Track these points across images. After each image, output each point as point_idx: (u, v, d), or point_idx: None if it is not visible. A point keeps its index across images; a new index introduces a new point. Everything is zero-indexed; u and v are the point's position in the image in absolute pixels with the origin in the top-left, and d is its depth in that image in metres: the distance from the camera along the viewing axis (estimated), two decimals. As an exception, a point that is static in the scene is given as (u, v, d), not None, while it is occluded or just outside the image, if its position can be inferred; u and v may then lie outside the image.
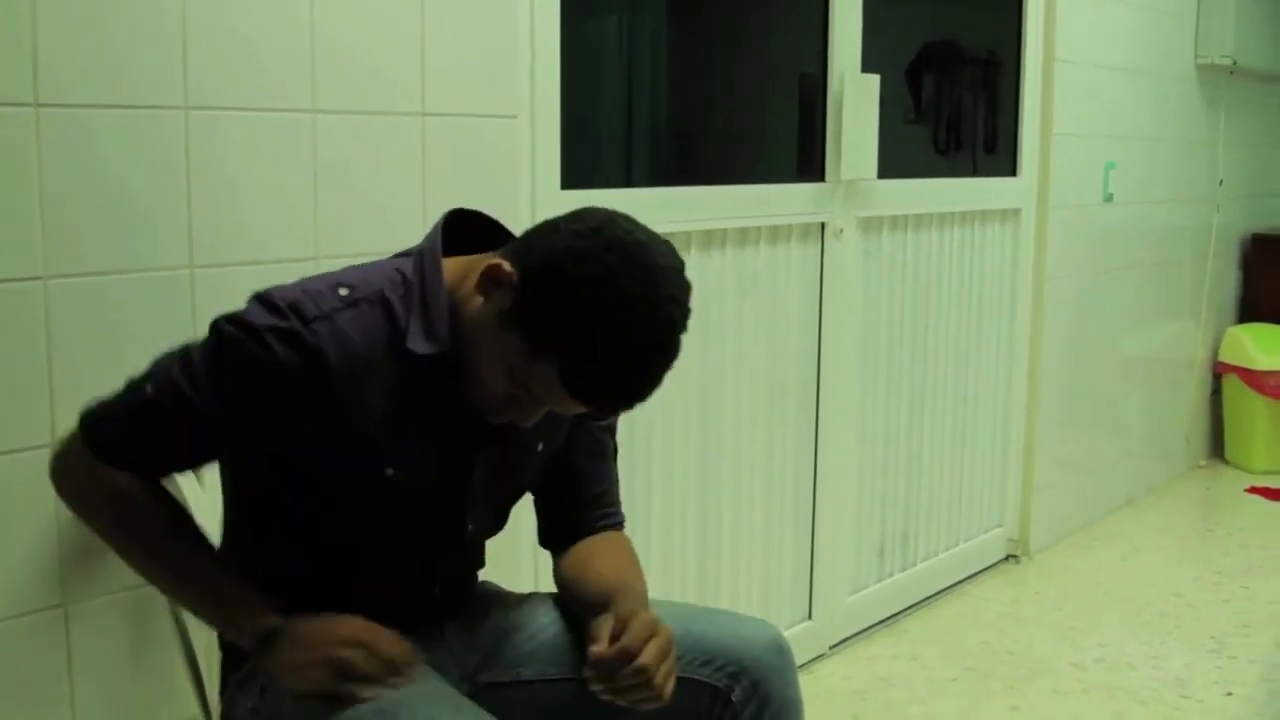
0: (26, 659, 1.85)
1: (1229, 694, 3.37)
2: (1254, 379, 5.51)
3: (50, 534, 1.85)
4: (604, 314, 1.47)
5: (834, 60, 3.33)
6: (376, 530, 1.68)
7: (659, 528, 2.99)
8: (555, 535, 1.92)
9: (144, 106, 1.90)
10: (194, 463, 1.69)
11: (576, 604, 1.82)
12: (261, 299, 1.56)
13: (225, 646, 1.78)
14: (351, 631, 1.54)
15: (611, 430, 1.92)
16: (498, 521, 1.86)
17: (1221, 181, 5.54)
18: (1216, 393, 5.80)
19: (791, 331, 3.32)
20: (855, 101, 3.35)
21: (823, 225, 3.36)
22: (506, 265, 1.53)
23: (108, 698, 1.94)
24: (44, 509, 1.83)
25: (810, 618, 3.51)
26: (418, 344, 1.58)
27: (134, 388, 1.59)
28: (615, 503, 1.95)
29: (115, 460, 1.58)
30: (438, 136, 2.30)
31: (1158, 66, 4.92)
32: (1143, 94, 4.84)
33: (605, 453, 1.92)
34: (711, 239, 3.03)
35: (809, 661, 3.50)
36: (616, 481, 1.95)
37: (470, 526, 1.77)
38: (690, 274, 2.93)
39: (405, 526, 1.70)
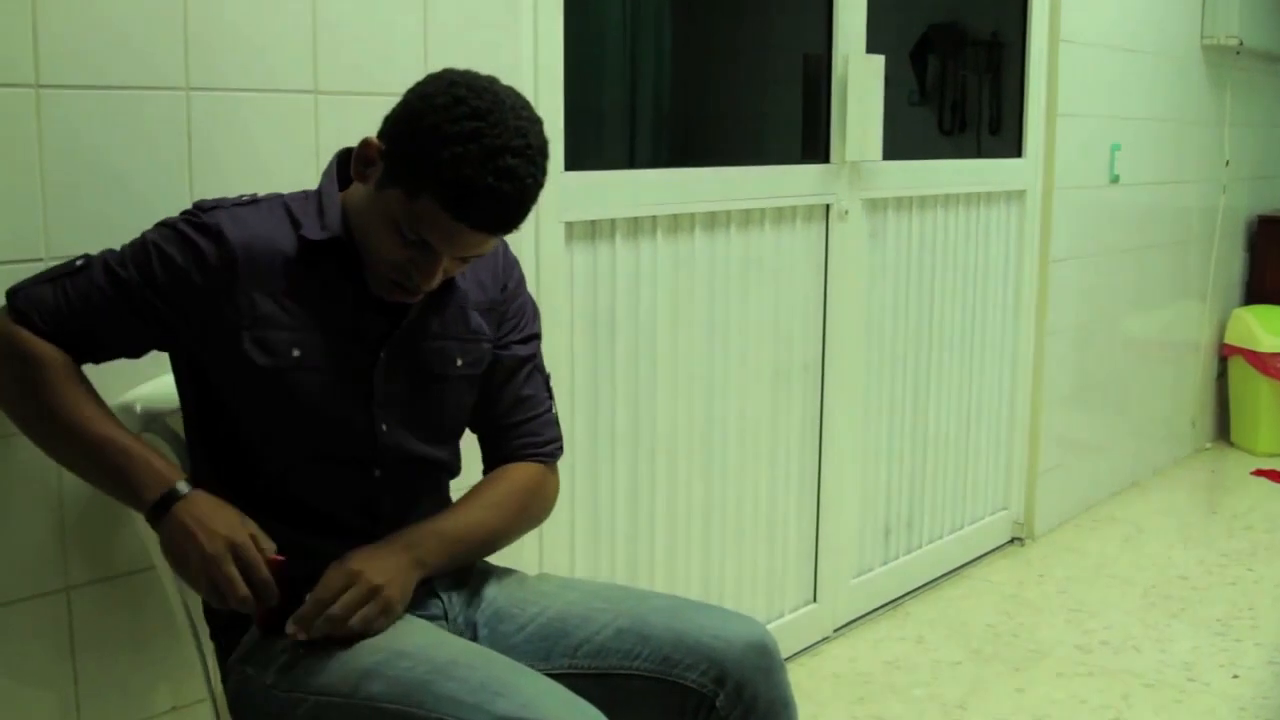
0: (30, 641, 1.84)
1: (1235, 676, 3.37)
2: (1260, 361, 5.50)
3: (53, 517, 1.84)
4: (459, 128, 1.57)
5: (838, 41, 3.31)
6: (300, 431, 1.73)
7: (663, 510, 2.98)
8: (485, 462, 1.96)
9: (144, 87, 1.88)
10: (113, 343, 1.72)
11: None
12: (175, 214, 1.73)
13: (213, 631, 1.78)
14: (231, 540, 1.59)
15: (535, 358, 1.96)
16: (437, 441, 1.85)
17: (1228, 163, 5.52)
18: (1222, 375, 5.79)
19: (796, 313, 3.30)
20: (860, 82, 3.33)
21: (827, 207, 3.35)
22: (373, 139, 1.68)
23: (110, 679, 1.94)
24: (46, 492, 1.82)
25: (815, 601, 3.50)
26: (312, 231, 1.70)
27: (64, 265, 1.70)
28: (542, 431, 1.96)
29: (35, 327, 1.66)
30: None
31: (1164, 47, 4.89)
32: (1148, 75, 4.82)
33: (526, 379, 1.94)
34: (716, 221, 3.01)
35: (814, 644, 3.50)
36: (544, 410, 1.97)
37: (384, 428, 1.76)
38: (694, 256, 2.94)
39: (322, 421, 1.73)
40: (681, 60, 3.15)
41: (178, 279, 1.66)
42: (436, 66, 2.24)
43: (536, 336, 1.96)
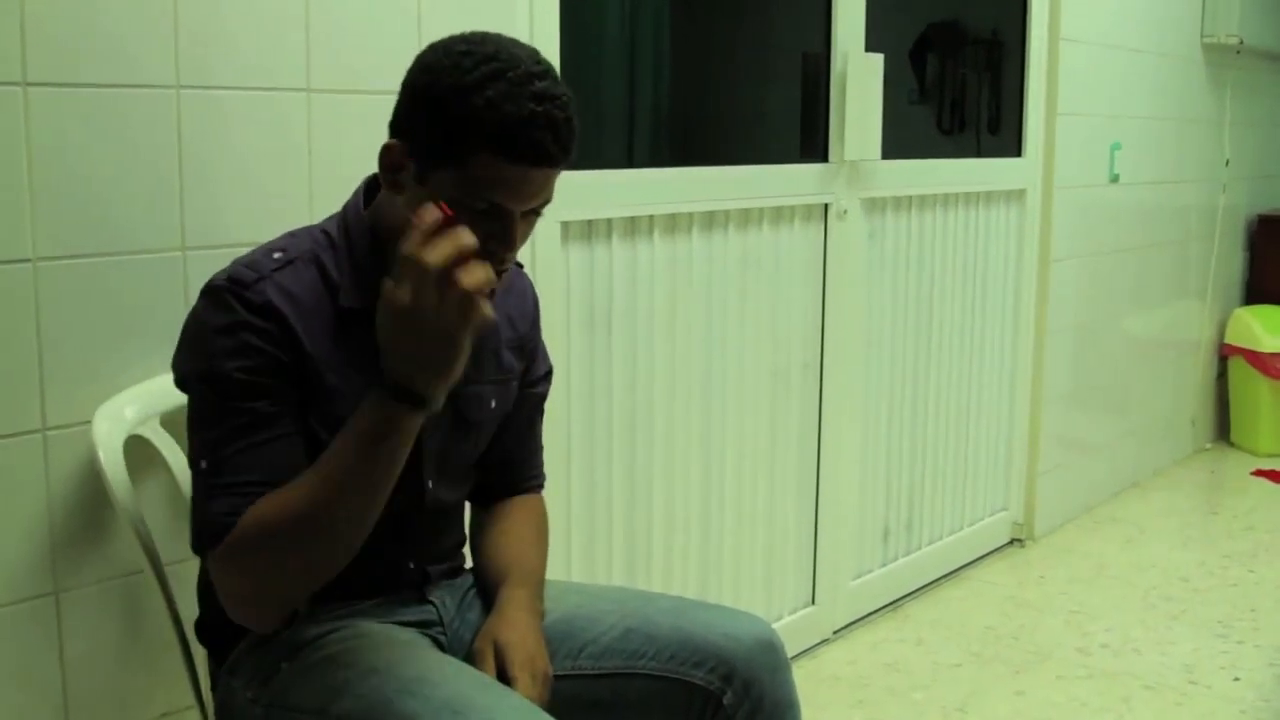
0: (18, 646, 1.82)
1: (1236, 679, 3.34)
2: (1260, 361, 5.48)
3: (42, 521, 1.82)
4: (479, 73, 1.50)
5: (837, 39, 3.29)
6: None
7: (661, 511, 2.96)
8: (483, 493, 1.93)
9: (134, 85, 1.86)
10: (274, 462, 1.57)
11: (480, 569, 1.87)
12: (206, 294, 1.59)
13: (207, 641, 1.76)
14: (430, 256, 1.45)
15: (544, 393, 1.95)
16: (462, 484, 1.85)
17: (1228, 162, 5.50)
18: (1222, 375, 5.77)
19: (794, 314, 3.28)
20: (859, 81, 3.31)
21: (826, 206, 3.33)
22: (391, 142, 1.59)
23: (100, 686, 1.91)
24: (35, 495, 1.80)
25: (813, 603, 3.48)
26: (351, 299, 1.62)
27: (194, 483, 1.57)
28: (540, 464, 2.00)
29: (230, 527, 1.53)
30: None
31: (1164, 46, 4.87)
32: (1149, 73, 4.80)
33: (539, 414, 1.96)
34: (714, 220, 2.99)
35: (812, 647, 3.47)
36: (541, 447, 1.99)
37: (430, 484, 1.74)
38: (692, 255, 2.91)
39: None
40: (679, 58, 3.13)
41: (272, 366, 1.55)
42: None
43: (551, 369, 1.97)
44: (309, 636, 1.65)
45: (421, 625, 1.76)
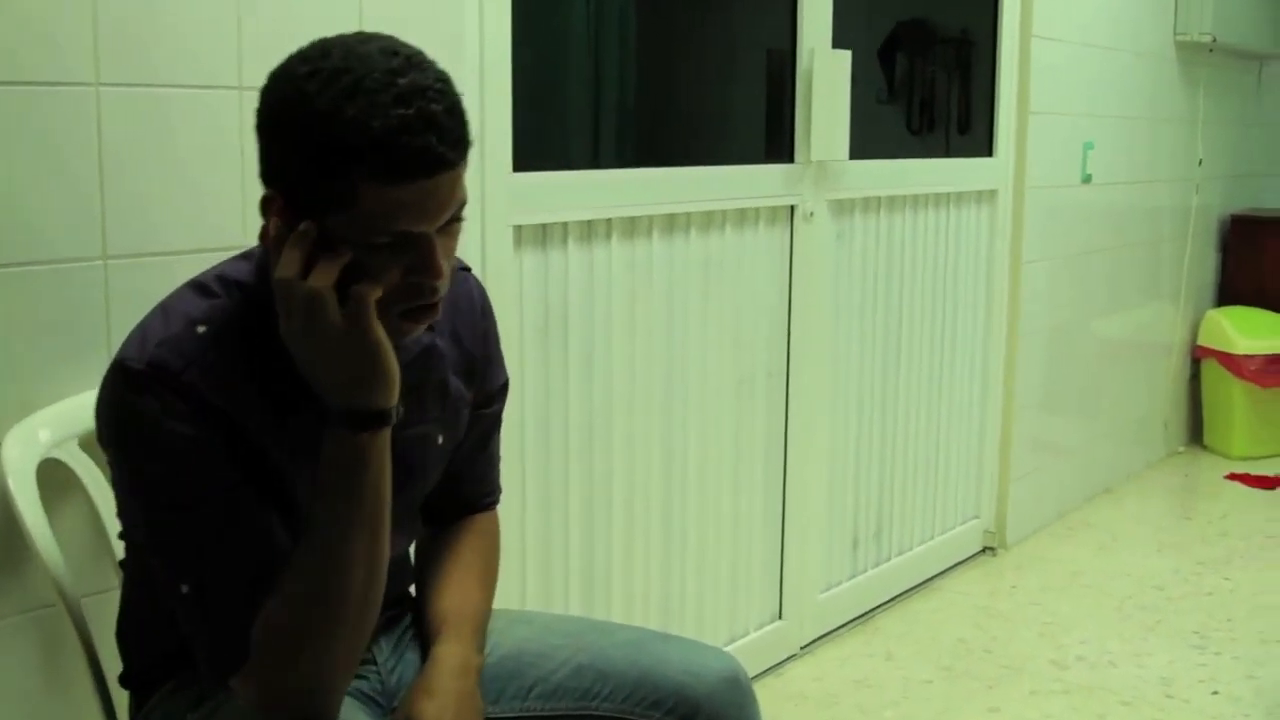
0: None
1: (1215, 692, 3.26)
2: (1233, 363, 5.41)
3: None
4: (334, 92, 1.30)
5: (803, 35, 3.19)
6: None
7: (620, 526, 2.84)
8: (433, 512, 1.78)
9: (49, 83, 1.74)
10: (260, 558, 1.42)
11: (420, 608, 1.72)
12: (125, 379, 1.38)
13: (130, 686, 1.63)
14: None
15: (500, 411, 1.80)
16: (413, 528, 1.73)
17: (1201, 161, 5.43)
18: (1195, 377, 5.70)
19: (759, 319, 3.17)
20: (826, 79, 3.21)
21: (792, 208, 3.22)
22: (272, 196, 1.38)
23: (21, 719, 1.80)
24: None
25: (781, 617, 3.37)
26: (283, 380, 1.42)
27: (183, 610, 1.42)
28: (495, 480, 1.85)
29: (247, 649, 1.39)
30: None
31: (1137, 43, 4.79)
32: (1121, 72, 4.71)
33: (493, 435, 1.81)
34: (675, 223, 2.88)
35: (779, 663, 3.37)
36: (498, 461, 1.85)
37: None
38: (652, 260, 2.80)
39: None
40: (638, 55, 3.01)
41: (217, 459, 1.38)
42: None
43: (507, 382, 1.80)
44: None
45: None
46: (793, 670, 3.36)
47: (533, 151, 2.53)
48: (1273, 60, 5.97)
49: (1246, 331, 5.45)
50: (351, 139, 1.30)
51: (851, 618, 3.64)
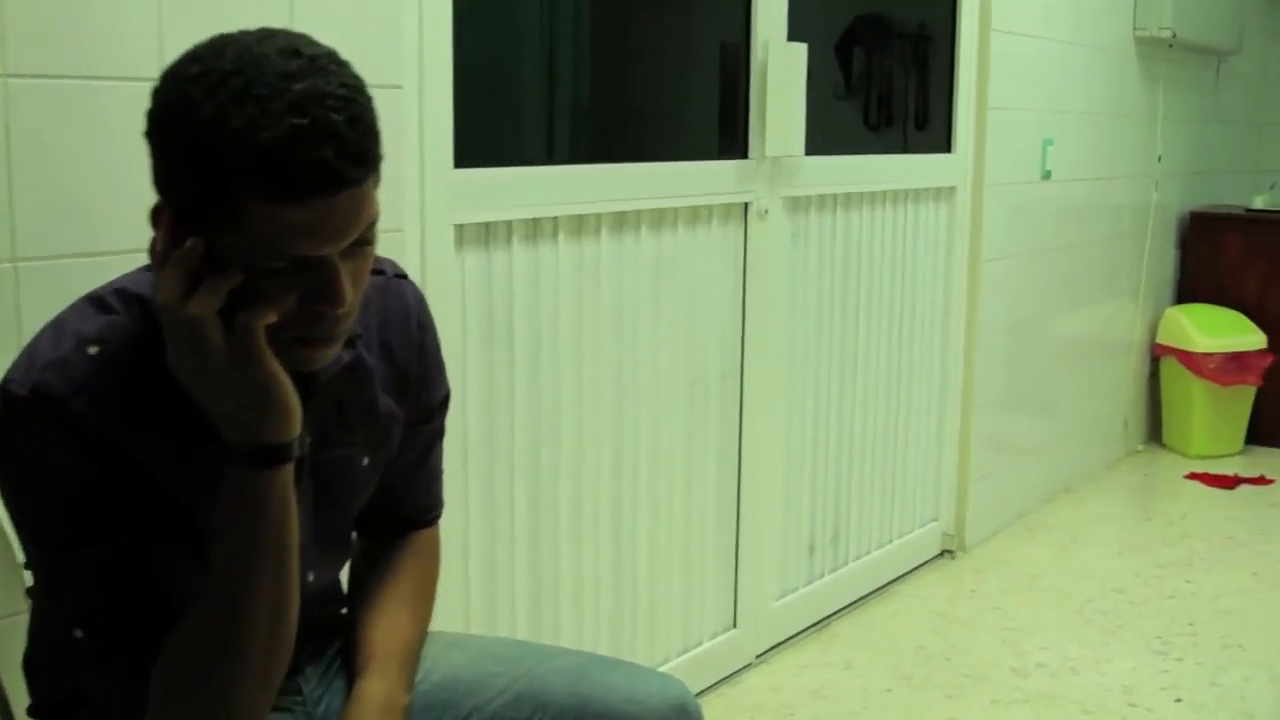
0: None
1: (1178, 700, 3.20)
2: (1192, 361, 5.37)
3: None
4: (220, 98, 1.17)
5: (758, 28, 3.09)
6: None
7: (569, 535, 2.74)
8: (369, 525, 1.67)
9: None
10: (155, 605, 1.33)
11: (350, 633, 1.60)
12: (2, 408, 1.26)
13: (40, 714, 1.52)
14: None
15: (440, 425, 1.68)
16: (343, 552, 1.62)
17: (1160, 158, 5.37)
18: (1154, 375, 5.66)
19: (713, 319, 3.08)
20: (780, 72, 3.12)
21: (746, 205, 3.13)
22: (160, 204, 1.27)
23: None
24: None
25: (735, 626, 3.28)
26: (182, 412, 1.31)
27: (76, 654, 1.33)
28: (436, 494, 1.73)
29: (145, 697, 1.29)
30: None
31: (1096, 38, 4.73)
32: (1081, 67, 4.65)
33: (433, 450, 1.69)
34: (625, 221, 2.78)
35: (734, 674, 3.28)
36: (439, 474, 1.73)
37: (310, 577, 1.50)
38: (601, 260, 2.71)
39: None
40: (587, 46, 2.91)
41: (106, 494, 1.28)
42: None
43: (448, 395, 1.68)
44: None
45: (276, 708, 1.54)
46: (748, 680, 3.27)
47: (476, 147, 2.42)
48: (1231, 56, 5.93)
49: (1206, 329, 5.41)
50: (237, 151, 1.17)
51: (808, 625, 3.55)
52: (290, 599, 1.32)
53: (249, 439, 1.26)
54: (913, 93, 4.02)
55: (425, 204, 2.30)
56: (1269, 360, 5.40)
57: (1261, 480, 5.16)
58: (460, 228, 2.39)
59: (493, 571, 2.58)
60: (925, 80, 4.02)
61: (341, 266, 1.25)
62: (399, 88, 2.21)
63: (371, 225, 1.28)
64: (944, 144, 4.00)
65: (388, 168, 2.17)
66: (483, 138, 2.49)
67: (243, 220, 1.19)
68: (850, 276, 3.58)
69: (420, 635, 1.63)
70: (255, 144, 1.16)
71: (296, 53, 1.21)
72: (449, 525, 2.41)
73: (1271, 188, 5.92)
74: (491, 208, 2.46)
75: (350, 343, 1.43)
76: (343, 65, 1.24)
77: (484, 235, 2.46)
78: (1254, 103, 6.43)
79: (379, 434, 1.53)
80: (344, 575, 1.69)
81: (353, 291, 1.28)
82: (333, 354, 1.34)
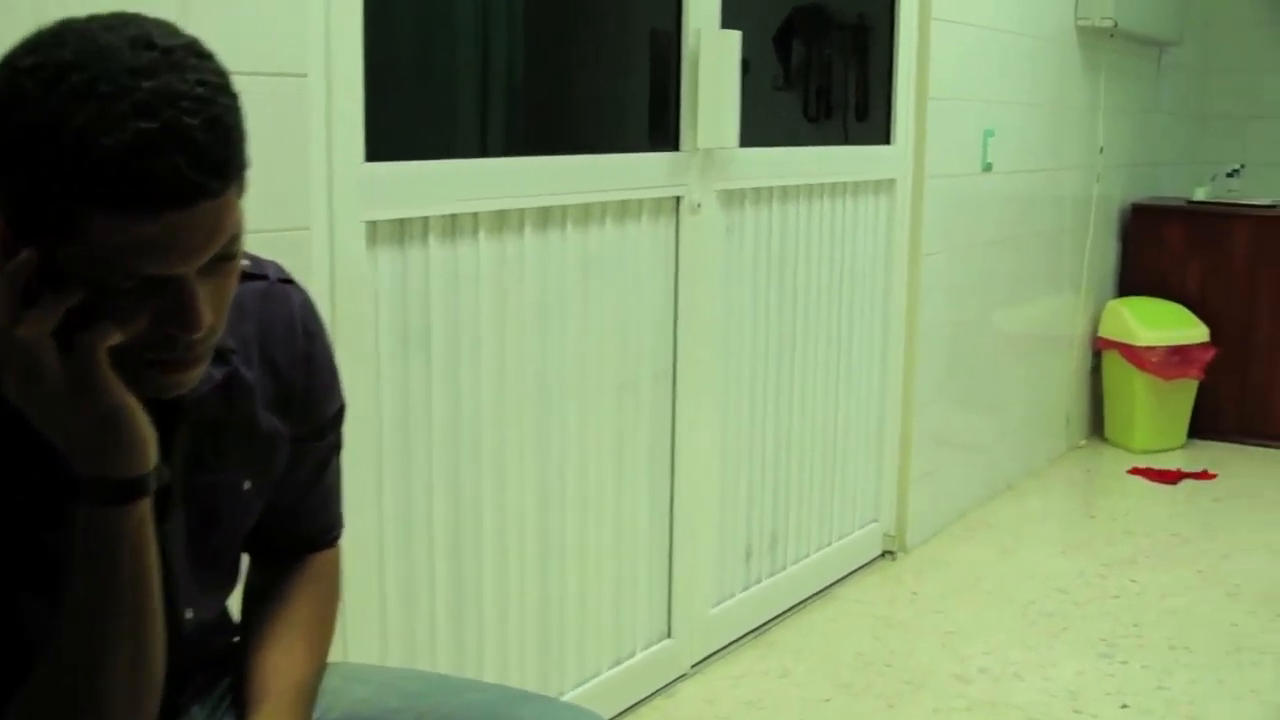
0: None
1: (1124, 706, 3.12)
2: (1134, 355, 5.31)
3: None
4: (60, 94, 1.04)
5: (689, 14, 2.97)
6: None
7: (493, 547, 2.62)
8: (262, 547, 1.55)
9: None
10: (14, 631, 1.22)
11: (241, 667, 1.47)
12: None
13: None
14: None
15: (335, 442, 1.56)
16: (227, 582, 1.48)
17: (1102, 149, 5.30)
18: (1096, 369, 5.60)
19: (643, 319, 2.96)
20: (713, 60, 3.00)
21: (678, 199, 3.01)
22: None
23: None
24: None
25: (670, 635, 3.17)
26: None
27: None
28: (333, 514, 1.60)
29: None
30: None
31: (1038, 27, 4.65)
32: (1022, 56, 4.56)
33: (328, 466, 1.56)
34: (549, 217, 2.66)
35: (669, 684, 3.16)
36: (337, 492, 1.59)
37: (189, 614, 1.38)
38: (524, 257, 2.58)
39: None
40: (511, 32, 2.78)
41: None
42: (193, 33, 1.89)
43: (343, 407, 1.55)
44: None
45: None
46: (683, 691, 3.16)
47: (389, 139, 2.29)
48: (1173, 47, 5.87)
49: (1148, 322, 5.36)
50: (75, 157, 1.03)
51: (745, 632, 3.45)
52: (153, 645, 1.19)
53: (97, 473, 1.13)
54: (853, 84, 3.92)
55: (334, 200, 2.17)
56: (1211, 354, 5.36)
57: (1204, 475, 5.11)
58: (373, 225, 2.26)
59: (411, 587, 2.45)
60: (865, 71, 3.92)
61: (199, 287, 1.12)
62: (303, 76, 2.08)
63: (234, 240, 1.15)
64: (883, 136, 3.90)
65: (292, 163, 2.05)
66: (397, 129, 2.36)
67: (84, 233, 1.06)
68: (787, 272, 3.47)
69: (317, 668, 1.50)
70: (95, 149, 1.02)
71: (150, 44, 1.07)
72: (363, 543, 2.29)
73: (1213, 179, 5.89)
74: (406, 203, 2.33)
75: (223, 357, 1.30)
76: (205, 59, 1.11)
77: (398, 232, 2.33)
78: (1196, 94, 6.40)
79: (262, 455, 1.40)
80: (237, 602, 1.56)
81: (212, 313, 1.15)
82: (194, 378, 1.21)
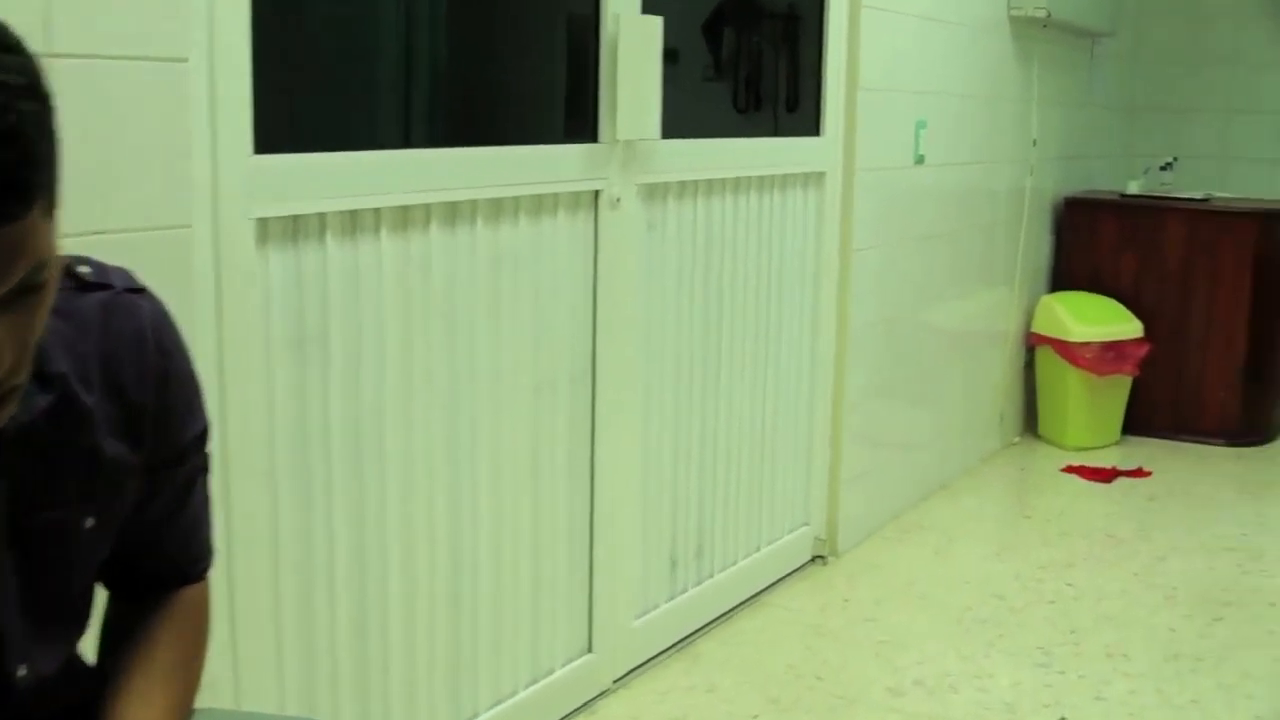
0: None
1: (1062, 718, 3.01)
2: (1068, 350, 5.23)
3: None
4: None
5: (608, -1, 2.83)
6: None
7: (398, 558, 2.46)
8: (121, 583, 1.40)
9: None
10: None
11: (98, 713, 1.32)
12: None
13: None
14: None
15: (198, 467, 1.40)
16: (72, 628, 1.32)
17: (1035, 142, 5.21)
18: (1029, 365, 5.51)
19: (560, 319, 2.81)
20: (634, 47, 2.85)
21: (596, 193, 2.86)
22: None
23: None
24: None
25: (591, 650, 3.02)
26: None
27: None
28: (201, 546, 1.44)
29: None
30: (68, 86, 1.72)
31: (970, 17, 4.54)
32: (955, 47, 4.45)
33: (194, 489, 1.40)
34: (458, 213, 2.50)
35: (590, 701, 3.02)
36: (205, 521, 1.44)
37: (20, 671, 1.22)
38: (431, 255, 2.42)
39: None
40: (415, 16, 2.62)
41: None
42: (62, 20, 1.73)
43: (207, 428, 1.39)
44: None
45: None
46: (605, 708, 3.02)
47: (281, 130, 2.13)
48: (1106, 38, 5.80)
49: (1081, 318, 5.28)
50: None
51: (670, 644, 3.31)
52: None
53: None
54: (783, 74, 3.79)
55: (219, 196, 2.00)
56: (1145, 349, 5.29)
57: (1139, 473, 5.04)
58: (263, 222, 2.10)
59: (310, 607, 2.29)
60: (796, 61, 3.79)
61: None
62: (183, 61, 1.91)
63: (41, 268, 0.99)
64: (813, 127, 3.77)
65: (172, 155, 1.88)
66: (290, 119, 2.20)
67: None
68: (712, 269, 3.33)
69: (181, 716, 1.35)
70: None
71: None
72: (256, 565, 2.13)
73: (1146, 173, 5.82)
74: (300, 198, 2.16)
75: (52, 382, 1.15)
76: (6, 51, 0.95)
77: (292, 230, 2.17)
78: (1129, 86, 6.34)
79: (106, 487, 1.24)
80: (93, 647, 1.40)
81: (12, 353, 0.99)
82: (4, 415, 1.05)
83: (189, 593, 1.43)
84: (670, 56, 3.05)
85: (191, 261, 1.96)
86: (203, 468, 1.41)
